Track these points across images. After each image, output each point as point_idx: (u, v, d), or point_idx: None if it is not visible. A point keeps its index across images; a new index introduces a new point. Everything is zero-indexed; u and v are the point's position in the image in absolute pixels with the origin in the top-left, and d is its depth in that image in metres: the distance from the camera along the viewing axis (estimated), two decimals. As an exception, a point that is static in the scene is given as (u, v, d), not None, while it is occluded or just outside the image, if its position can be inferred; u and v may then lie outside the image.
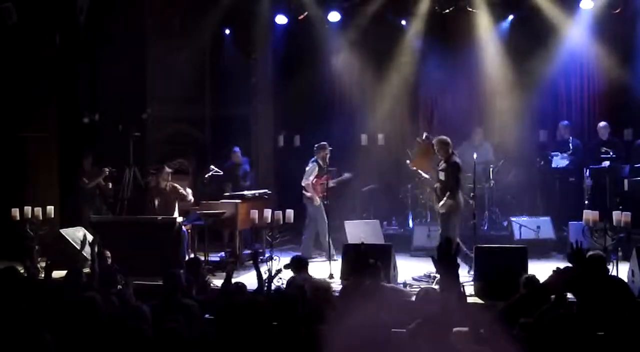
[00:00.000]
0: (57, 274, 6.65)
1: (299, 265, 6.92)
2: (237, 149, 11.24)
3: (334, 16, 11.93)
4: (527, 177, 11.37)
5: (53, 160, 10.81)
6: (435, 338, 3.24)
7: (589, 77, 11.76)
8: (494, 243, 8.93)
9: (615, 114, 11.30)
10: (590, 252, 6.01)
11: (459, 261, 3.49)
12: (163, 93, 12.27)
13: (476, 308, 6.62)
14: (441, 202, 8.64)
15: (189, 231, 9.44)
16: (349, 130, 12.34)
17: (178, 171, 11.10)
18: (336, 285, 8.01)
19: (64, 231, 9.43)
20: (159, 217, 9.33)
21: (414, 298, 6.44)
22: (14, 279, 5.56)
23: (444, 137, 8.90)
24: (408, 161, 10.14)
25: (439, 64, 11.52)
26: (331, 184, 10.16)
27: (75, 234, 9.41)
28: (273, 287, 6.38)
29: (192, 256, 8.97)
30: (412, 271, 8.86)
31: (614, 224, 7.97)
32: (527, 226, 10.04)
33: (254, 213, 9.04)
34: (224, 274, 6.52)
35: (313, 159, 10.21)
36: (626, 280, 7.14)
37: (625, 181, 10.00)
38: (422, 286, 7.36)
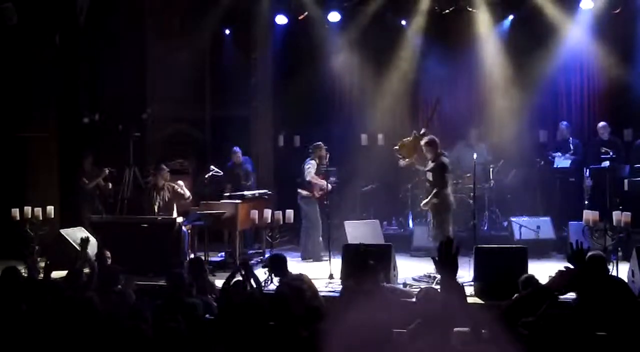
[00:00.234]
0: (58, 274, 6.67)
1: (276, 263, 6.93)
2: (237, 148, 11.17)
3: (334, 16, 11.93)
4: (527, 177, 11.37)
5: (53, 160, 10.81)
6: (435, 338, 3.23)
7: (589, 77, 11.76)
8: (494, 243, 8.92)
9: (615, 114, 11.31)
10: (591, 252, 6.02)
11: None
12: (163, 93, 12.27)
13: (476, 308, 6.62)
14: (424, 201, 8.76)
15: (189, 230, 9.44)
16: (349, 130, 12.34)
17: (178, 171, 11.12)
18: (336, 285, 8.04)
19: (64, 231, 9.43)
20: (159, 217, 9.33)
21: (414, 298, 6.47)
22: (15, 280, 5.56)
23: (432, 137, 9.00)
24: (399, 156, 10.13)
25: (439, 64, 11.52)
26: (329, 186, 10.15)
27: (75, 234, 9.40)
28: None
29: (192, 256, 8.98)
30: (412, 271, 8.87)
31: (614, 224, 7.98)
32: (527, 226, 10.04)
33: (254, 213, 9.05)
34: (225, 274, 6.54)
35: (309, 158, 10.22)
36: (626, 280, 7.14)
37: (625, 181, 10.00)
38: (422, 286, 7.36)
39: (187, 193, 9.79)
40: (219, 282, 6.86)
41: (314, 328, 4.15)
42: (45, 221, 9.42)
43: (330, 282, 8.33)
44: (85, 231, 9.60)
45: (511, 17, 11.72)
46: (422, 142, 8.98)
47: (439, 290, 4.60)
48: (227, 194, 10.33)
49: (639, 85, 10.93)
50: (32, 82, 10.64)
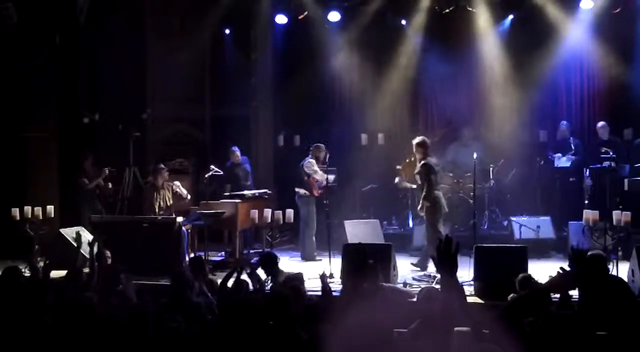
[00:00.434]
0: (58, 274, 6.66)
1: (267, 262, 6.93)
2: (235, 148, 11.04)
3: (334, 16, 11.93)
4: (527, 177, 11.39)
5: (53, 160, 10.80)
6: (436, 338, 3.23)
7: (589, 77, 11.76)
8: (494, 243, 8.93)
9: (615, 114, 11.31)
10: (591, 252, 6.02)
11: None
12: (163, 93, 12.28)
13: (477, 308, 6.62)
14: (419, 207, 8.92)
15: (189, 230, 9.44)
16: (348, 130, 12.34)
17: (178, 171, 11.12)
18: (336, 285, 8.03)
19: (64, 231, 9.43)
20: (159, 217, 9.33)
21: (414, 298, 6.47)
22: (16, 280, 5.56)
23: (423, 138, 9.13)
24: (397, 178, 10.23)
25: (439, 63, 11.51)
26: (330, 180, 10.16)
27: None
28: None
29: (191, 255, 8.97)
30: (412, 271, 8.88)
31: (614, 223, 7.98)
32: (527, 226, 10.04)
33: (254, 213, 9.05)
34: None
35: (308, 157, 10.22)
36: (626, 280, 7.14)
37: (625, 181, 10.00)
38: (422, 286, 7.36)
39: (185, 193, 9.80)
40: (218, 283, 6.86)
41: (314, 328, 4.15)
42: (45, 221, 9.43)
43: (331, 282, 8.32)
44: (85, 230, 9.62)
45: (511, 16, 11.72)
46: (414, 142, 9.13)
47: (439, 290, 4.60)
48: (227, 193, 10.33)
49: (638, 84, 10.93)
50: (32, 82, 10.62)
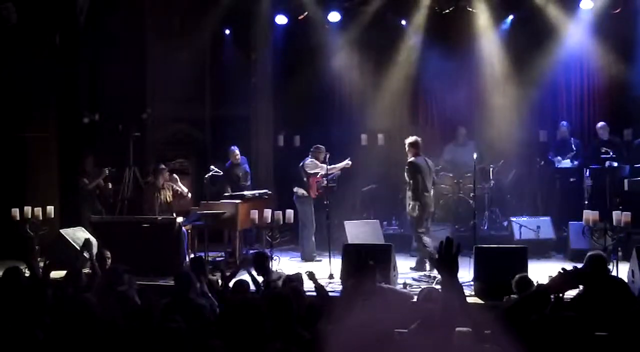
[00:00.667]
0: (58, 274, 6.66)
1: (257, 261, 6.93)
2: (234, 147, 10.88)
3: (334, 16, 11.93)
4: (527, 177, 11.39)
5: (53, 160, 10.80)
6: (437, 338, 3.23)
7: (589, 77, 11.77)
8: (494, 243, 8.94)
9: (615, 114, 11.32)
10: (591, 252, 6.03)
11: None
12: (163, 93, 12.27)
13: (477, 308, 6.62)
14: (409, 207, 9.06)
15: (189, 230, 9.44)
16: (349, 130, 12.34)
17: (178, 171, 11.12)
18: (336, 285, 8.04)
19: (64, 231, 9.43)
20: (159, 217, 9.33)
21: (414, 299, 6.48)
22: (17, 280, 5.56)
23: (416, 138, 9.25)
24: None
25: (439, 63, 11.51)
26: (336, 171, 10.15)
27: (75, 234, 9.41)
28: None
29: (192, 256, 8.97)
30: (412, 271, 8.88)
31: (614, 224, 7.97)
32: (527, 226, 10.04)
33: (254, 213, 9.04)
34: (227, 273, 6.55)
35: (308, 157, 10.21)
36: (626, 280, 7.14)
37: (625, 181, 9.99)
38: (422, 286, 7.36)
39: (185, 190, 9.81)
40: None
41: (315, 328, 4.15)
42: (45, 221, 9.42)
43: (330, 282, 8.33)
44: (85, 230, 9.62)
45: (511, 16, 11.72)
46: (406, 142, 9.29)
47: (439, 290, 4.60)
48: (227, 194, 10.32)
49: (638, 84, 10.93)
50: (32, 82, 10.62)
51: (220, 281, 6.58)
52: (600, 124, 10.83)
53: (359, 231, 10.02)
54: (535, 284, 5.16)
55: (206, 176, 10.29)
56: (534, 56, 11.39)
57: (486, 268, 7.61)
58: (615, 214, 7.99)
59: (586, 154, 10.85)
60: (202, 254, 9.28)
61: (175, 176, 9.92)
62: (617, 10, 10.83)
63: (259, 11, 12.01)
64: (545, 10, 11.14)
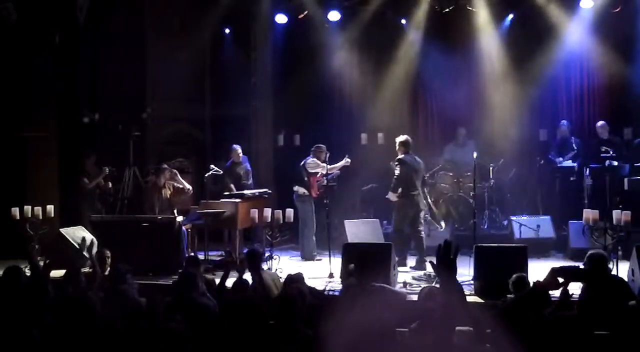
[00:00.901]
0: (58, 274, 6.66)
1: (251, 258, 6.92)
2: (236, 146, 10.79)
3: (334, 15, 11.93)
4: (527, 176, 11.39)
5: (53, 160, 10.78)
6: (437, 338, 3.23)
7: (589, 76, 11.76)
8: (494, 242, 8.93)
9: (615, 113, 11.32)
10: (591, 251, 6.03)
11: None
12: (163, 93, 12.27)
13: (477, 308, 6.62)
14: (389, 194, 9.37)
15: (189, 230, 9.44)
16: (348, 130, 12.35)
17: (178, 171, 11.10)
18: (336, 284, 8.04)
19: (64, 231, 9.43)
20: (159, 217, 9.33)
21: (407, 298, 6.50)
22: (18, 279, 5.56)
23: (407, 137, 9.44)
24: None
25: (439, 63, 11.52)
26: (336, 171, 10.16)
27: (75, 234, 9.41)
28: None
29: (191, 254, 8.97)
30: (412, 270, 8.88)
31: (614, 223, 7.97)
32: (527, 225, 10.03)
33: (254, 212, 9.05)
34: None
35: (309, 156, 10.21)
36: (626, 279, 7.14)
37: (625, 180, 9.99)
38: (422, 286, 7.36)
39: (187, 186, 9.81)
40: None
41: (317, 327, 4.15)
42: (45, 221, 9.42)
43: (330, 282, 8.33)
44: (85, 230, 9.62)
45: (511, 15, 11.72)
46: (397, 140, 9.48)
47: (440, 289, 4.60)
48: (227, 193, 10.31)
49: (638, 83, 10.93)
50: (32, 82, 10.62)
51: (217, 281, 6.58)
52: (600, 123, 10.84)
53: (359, 230, 10.02)
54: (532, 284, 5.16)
55: (206, 175, 10.29)
56: (534, 55, 11.39)
57: (486, 267, 7.61)
58: (615, 213, 7.99)
59: (586, 153, 10.84)
60: (202, 253, 9.29)
61: (174, 170, 9.91)
62: (617, 9, 10.83)
63: (258, 11, 12.02)
64: (546, 9, 11.14)
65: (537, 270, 7.16)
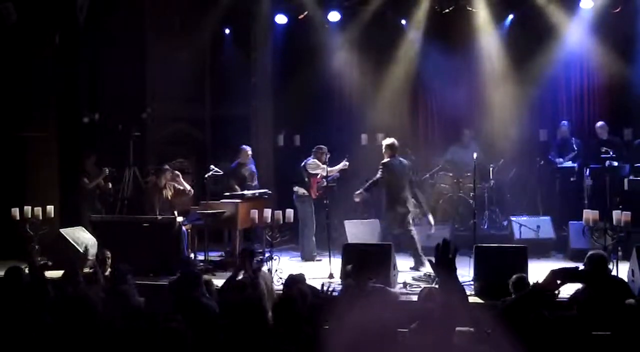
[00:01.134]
0: (58, 274, 6.66)
1: (244, 256, 6.90)
2: (247, 147, 10.66)
3: (334, 16, 11.93)
4: (527, 177, 11.38)
5: (53, 160, 10.78)
6: (437, 338, 3.23)
7: (589, 76, 11.76)
8: (494, 242, 8.94)
9: (615, 113, 11.32)
10: (592, 252, 6.03)
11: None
12: (163, 93, 12.28)
13: (477, 308, 6.62)
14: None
15: (189, 230, 9.44)
16: (348, 130, 12.34)
17: (178, 170, 11.10)
18: (336, 284, 8.03)
19: (64, 231, 9.43)
20: (159, 217, 9.33)
21: (402, 299, 6.49)
22: (18, 280, 5.56)
23: (393, 140, 9.45)
24: None
25: (439, 63, 11.51)
26: (335, 173, 10.15)
27: (75, 234, 9.41)
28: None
29: (192, 255, 8.98)
30: (412, 270, 8.87)
31: (614, 223, 7.96)
32: (527, 226, 10.03)
33: (254, 213, 9.04)
34: (226, 274, 6.54)
35: (310, 157, 10.20)
36: (626, 280, 7.14)
37: (625, 181, 10.00)
38: (422, 286, 7.36)
39: (188, 187, 9.81)
40: (219, 282, 6.85)
41: (317, 327, 4.15)
42: (45, 221, 9.42)
43: (330, 282, 8.32)
44: (85, 230, 9.62)
45: (511, 16, 11.72)
46: (383, 143, 9.49)
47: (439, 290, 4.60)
48: (228, 193, 10.30)
49: (638, 84, 10.93)
50: (32, 82, 10.61)
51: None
52: (599, 123, 10.84)
53: (359, 230, 10.02)
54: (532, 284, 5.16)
55: (206, 176, 10.28)
56: (534, 55, 11.39)
57: (486, 268, 7.61)
58: (615, 214, 7.99)
59: (586, 154, 10.84)
60: (202, 253, 9.29)
61: (176, 172, 9.91)
62: (617, 10, 10.84)
63: (258, 11, 12.02)
64: (546, 9, 11.15)
65: (537, 270, 7.16)
